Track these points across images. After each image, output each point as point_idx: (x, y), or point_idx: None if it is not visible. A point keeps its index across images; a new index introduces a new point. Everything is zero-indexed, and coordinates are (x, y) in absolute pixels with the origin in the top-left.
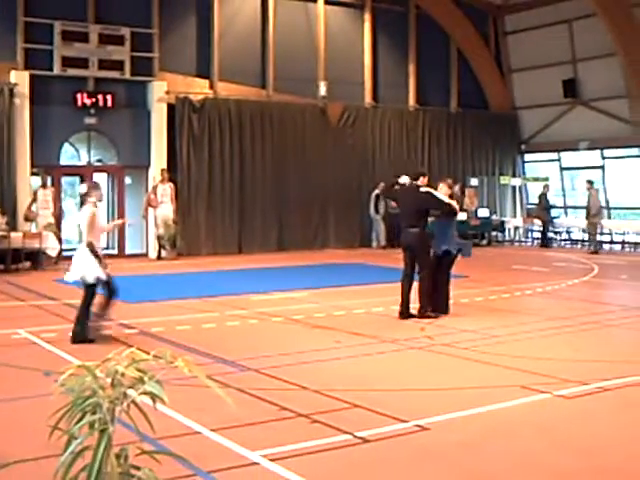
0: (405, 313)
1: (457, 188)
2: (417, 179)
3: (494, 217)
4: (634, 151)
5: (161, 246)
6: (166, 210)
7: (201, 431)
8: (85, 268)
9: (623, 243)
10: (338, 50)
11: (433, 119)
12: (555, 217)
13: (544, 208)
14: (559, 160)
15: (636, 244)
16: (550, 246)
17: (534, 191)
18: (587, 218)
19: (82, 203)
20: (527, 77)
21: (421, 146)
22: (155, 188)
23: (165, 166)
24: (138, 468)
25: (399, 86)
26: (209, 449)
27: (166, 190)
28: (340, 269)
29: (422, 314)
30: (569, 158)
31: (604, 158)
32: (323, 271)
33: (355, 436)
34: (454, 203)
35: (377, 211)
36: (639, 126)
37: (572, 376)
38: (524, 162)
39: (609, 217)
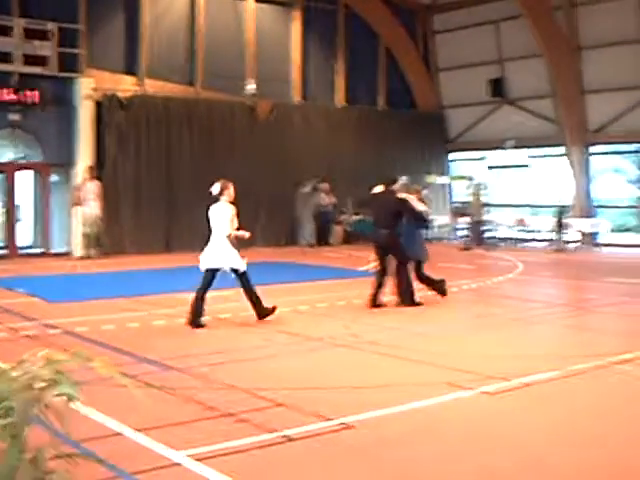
0: (374, 302)
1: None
2: (391, 185)
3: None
4: (559, 150)
5: (87, 245)
6: (92, 208)
7: (124, 432)
8: (233, 258)
9: (547, 241)
10: (267, 48)
11: (361, 117)
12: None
13: (478, 206)
14: (485, 159)
15: (570, 242)
16: (485, 244)
17: (459, 190)
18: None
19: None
20: (454, 76)
21: (349, 144)
22: (81, 186)
23: (92, 164)
24: (53, 472)
25: (327, 84)
26: (132, 450)
27: (92, 188)
28: (267, 268)
29: (407, 305)
30: (495, 157)
31: (530, 157)
32: (250, 269)
33: (280, 435)
34: (425, 210)
35: (305, 209)
36: (564, 125)
37: (496, 372)
38: (450, 161)
39: (534, 215)
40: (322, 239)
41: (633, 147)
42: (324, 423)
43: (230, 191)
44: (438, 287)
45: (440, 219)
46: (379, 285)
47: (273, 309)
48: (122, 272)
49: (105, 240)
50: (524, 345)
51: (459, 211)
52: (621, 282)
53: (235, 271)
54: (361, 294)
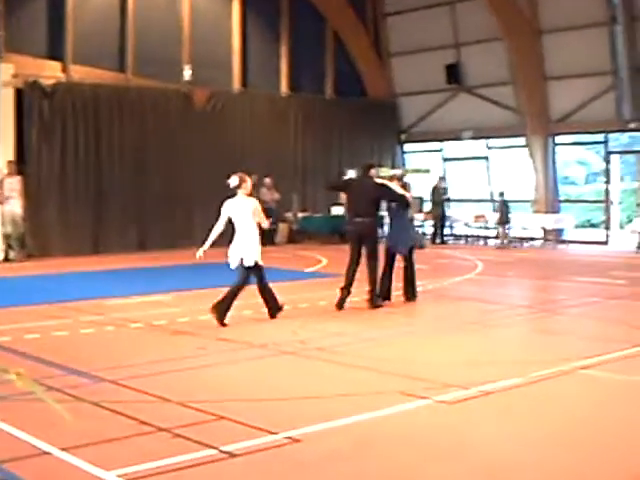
0: (342, 303)
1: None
2: (369, 171)
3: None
4: (520, 141)
5: (8, 246)
6: (14, 206)
7: (50, 451)
8: (256, 252)
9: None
10: (204, 31)
11: (307, 106)
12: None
13: (437, 202)
14: (441, 150)
15: (522, 239)
16: (445, 243)
17: (414, 184)
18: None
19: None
20: (408, 62)
21: (294, 135)
22: (1, 182)
23: (12, 158)
24: None
25: (270, 71)
26: (58, 471)
27: (14, 184)
28: (207, 269)
29: (374, 304)
30: (452, 148)
31: (489, 148)
32: (188, 272)
33: (221, 450)
34: (408, 195)
35: None
36: (525, 114)
37: (453, 380)
38: (404, 153)
39: (494, 210)
40: (265, 238)
41: (598, 137)
42: (268, 437)
43: (248, 184)
44: (383, 293)
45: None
46: (351, 281)
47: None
48: (47, 276)
49: (28, 241)
50: (483, 350)
51: (415, 206)
52: (588, 281)
53: (253, 266)
54: (309, 297)
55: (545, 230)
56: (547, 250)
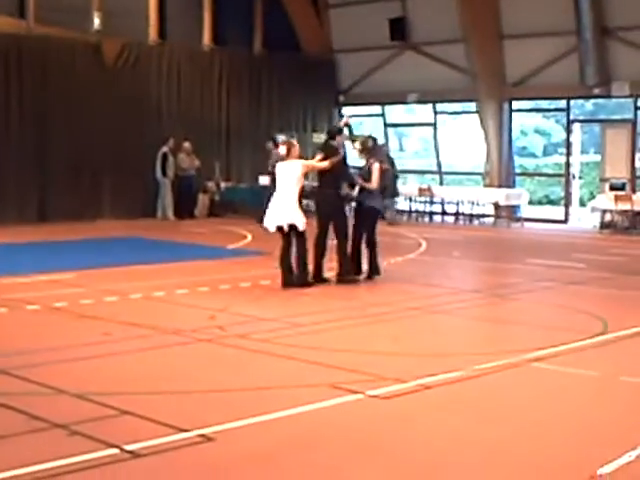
0: (318, 277)
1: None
2: (333, 138)
3: (305, 182)
4: (471, 106)
5: None
6: None
7: None
8: (295, 215)
9: (457, 215)
10: None
11: (232, 62)
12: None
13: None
14: (383, 115)
15: (471, 216)
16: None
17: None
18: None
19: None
20: (347, 14)
21: (217, 94)
22: None
23: None
24: None
25: (192, 21)
26: None
27: None
28: (116, 245)
29: (347, 279)
30: (395, 113)
31: (436, 113)
32: (94, 248)
33: (123, 449)
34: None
35: (164, 174)
36: (477, 76)
37: (389, 372)
38: (342, 116)
39: (441, 183)
40: (183, 210)
41: (559, 104)
42: (178, 435)
43: (296, 149)
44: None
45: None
46: (321, 255)
47: (309, 284)
48: None
49: None
50: (424, 340)
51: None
52: (543, 264)
53: (294, 229)
54: (231, 278)
55: (498, 206)
56: (499, 229)
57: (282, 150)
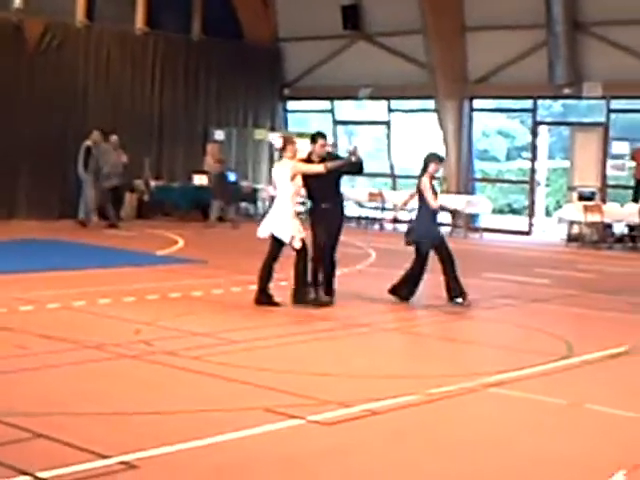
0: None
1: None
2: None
3: (244, 183)
4: (429, 104)
5: None
6: None
7: None
8: (282, 226)
9: (410, 222)
10: None
11: (168, 48)
12: None
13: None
14: (332, 111)
15: (440, 225)
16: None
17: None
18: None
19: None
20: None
21: (150, 84)
22: None
23: None
24: None
25: (124, 1)
26: None
27: None
28: (31, 248)
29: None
30: (346, 109)
31: (391, 111)
32: (7, 250)
33: (36, 477)
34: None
35: (87, 169)
36: (436, 72)
37: (333, 396)
38: (287, 111)
39: (394, 188)
40: (108, 211)
41: (525, 104)
42: (98, 462)
43: (295, 147)
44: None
45: (269, 189)
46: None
47: (321, 304)
48: None
49: None
50: (373, 361)
51: None
52: (504, 279)
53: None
54: (160, 288)
55: (455, 214)
56: (457, 239)
57: (277, 143)
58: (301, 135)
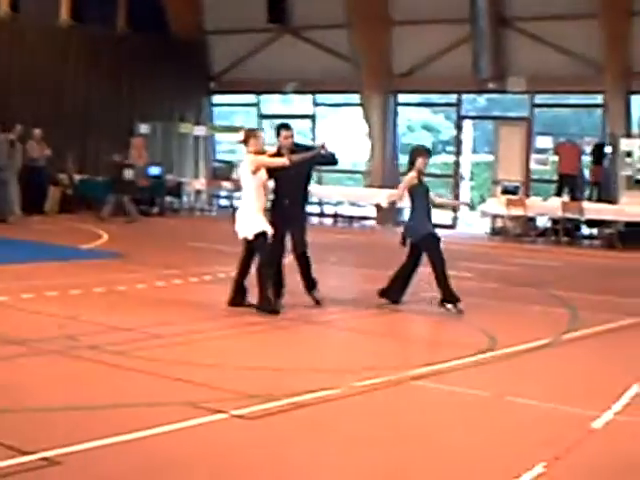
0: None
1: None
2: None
3: (169, 177)
4: (354, 98)
5: None
6: None
7: None
8: (247, 224)
9: (335, 217)
10: None
11: (92, 41)
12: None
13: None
14: (258, 105)
15: (351, 218)
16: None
17: (226, 145)
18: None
19: None
20: None
21: (74, 77)
22: None
23: None
24: None
25: None
26: None
27: None
28: None
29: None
30: (271, 103)
31: (316, 105)
32: None
33: None
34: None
35: (9, 164)
36: (361, 66)
37: (257, 389)
38: (212, 105)
39: (319, 182)
40: (31, 205)
41: (450, 98)
42: (19, 458)
43: (259, 140)
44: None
45: (194, 183)
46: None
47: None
48: None
49: None
50: (297, 354)
51: (222, 173)
52: (428, 273)
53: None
54: (84, 282)
55: (380, 208)
56: (381, 232)
57: (239, 136)
58: (227, 129)
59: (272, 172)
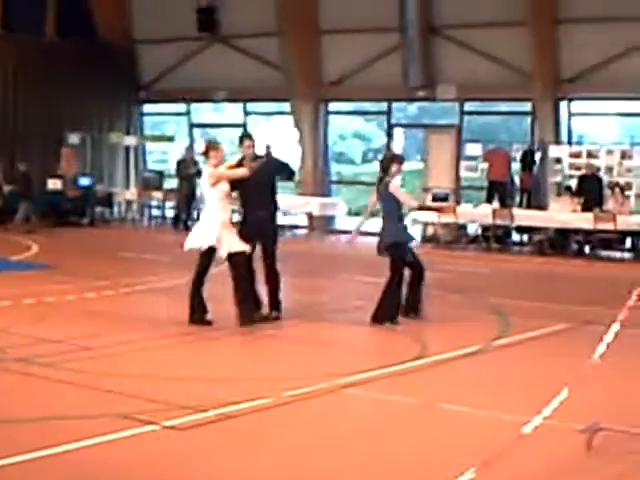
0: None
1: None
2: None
3: (99, 187)
4: (285, 106)
5: None
6: None
7: None
8: (205, 235)
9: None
10: None
11: (20, 50)
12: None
13: (185, 178)
14: (188, 114)
15: (282, 227)
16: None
17: (157, 155)
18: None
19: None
20: (151, 0)
21: (3, 86)
22: None
23: None
24: None
25: None
26: None
27: None
28: None
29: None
30: (203, 112)
31: (247, 113)
32: None
33: None
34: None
35: None
36: (292, 74)
37: (188, 400)
38: (143, 114)
39: None
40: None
41: (380, 107)
42: None
43: (218, 153)
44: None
45: (126, 193)
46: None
47: (264, 319)
48: None
49: None
50: (227, 364)
51: (153, 183)
52: (359, 280)
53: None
54: (13, 294)
55: (311, 217)
56: (312, 241)
57: (200, 148)
58: (157, 138)
59: (233, 184)
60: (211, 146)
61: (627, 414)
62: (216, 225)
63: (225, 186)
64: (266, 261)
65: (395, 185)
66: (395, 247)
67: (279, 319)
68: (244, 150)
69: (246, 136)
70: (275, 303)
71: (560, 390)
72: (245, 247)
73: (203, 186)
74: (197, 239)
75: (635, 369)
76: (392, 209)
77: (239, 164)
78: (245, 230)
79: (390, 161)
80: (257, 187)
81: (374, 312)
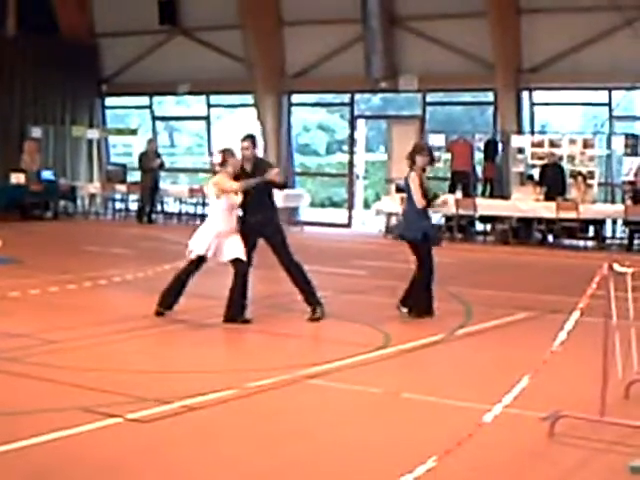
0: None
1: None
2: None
3: (62, 181)
4: (248, 99)
5: None
6: None
7: None
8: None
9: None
10: None
11: None
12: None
13: (147, 171)
14: (151, 107)
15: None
16: (153, 222)
17: (120, 148)
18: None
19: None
20: None
21: None
22: None
23: None
24: None
25: None
26: None
27: None
28: None
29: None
30: (166, 105)
31: (210, 106)
32: None
33: None
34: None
35: None
36: (254, 66)
37: (151, 393)
38: (105, 108)
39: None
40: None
41: (344, 98)
42: None
43: (234, 160)
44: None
45: (89, 187)
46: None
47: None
48: None
49: None
50: (190, 357)
51: (117, 176)
52: (322, 272)
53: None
54: None
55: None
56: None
57: (216, 159)
58: (120, 131)
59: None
60: (228, 154)
61: (587, 401)
62: (211, 234)
63: (236, 199)
64: (282, 259)
65: (413, 177)
66: (423, 241)
67: (320, 319)
68: (242, 152)
69: (244, 138)
70: (314, 301)
71: (521, 378)
72: (244, 256)
73: (209, 193)
74: (191, 243)
75: (595, 357)
76: (411, 201)
77: (241, 167)
78: (246, 230)
79: (416, 152)
80: (257, 191)
81: (414, 310)
